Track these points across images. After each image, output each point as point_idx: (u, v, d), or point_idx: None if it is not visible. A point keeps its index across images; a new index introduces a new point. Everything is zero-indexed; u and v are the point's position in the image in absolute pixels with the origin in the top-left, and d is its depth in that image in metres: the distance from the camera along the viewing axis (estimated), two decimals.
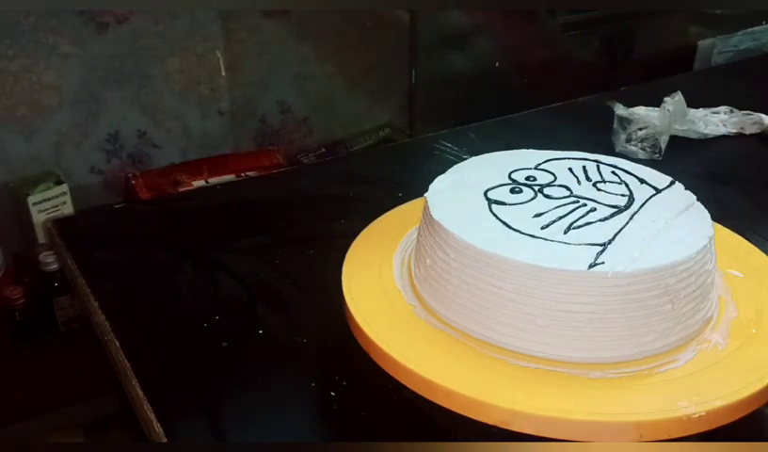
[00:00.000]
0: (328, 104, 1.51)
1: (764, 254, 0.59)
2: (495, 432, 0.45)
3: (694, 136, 0.91)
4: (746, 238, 0.61)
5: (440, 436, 0.47)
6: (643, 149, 0.86)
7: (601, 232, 0.50)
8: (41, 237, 1.21)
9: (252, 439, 0.47)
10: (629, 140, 0.87)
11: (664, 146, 0.86)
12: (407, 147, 1.04)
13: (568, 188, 0.56)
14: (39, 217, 1.21)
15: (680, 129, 0.90)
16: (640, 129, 0.86)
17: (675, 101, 0.89)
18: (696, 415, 0.44)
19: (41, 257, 1.17)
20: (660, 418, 0.44)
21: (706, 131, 0.91)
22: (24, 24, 1.20)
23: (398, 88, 1.52)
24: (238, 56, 1.39)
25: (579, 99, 1.04)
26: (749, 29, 1.38)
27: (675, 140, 0.89)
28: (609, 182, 0.57)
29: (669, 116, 0.87)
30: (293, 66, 1.44)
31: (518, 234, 0.50)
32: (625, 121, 0.87)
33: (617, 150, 0.87)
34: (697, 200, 0.55)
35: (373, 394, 0.50)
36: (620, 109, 0.88)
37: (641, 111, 0.87)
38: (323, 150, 1.45)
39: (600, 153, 0.61)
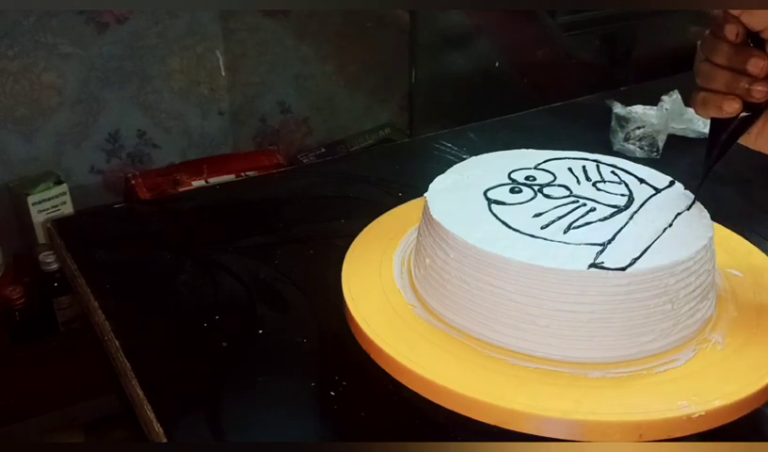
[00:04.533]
0: (328, 104, 1.51)
1: (764, 254, 0.59)
2: (495, 432, 0.45)
3: (692, 135, 0.91)
4: (746, 238, 0.61)
5: (441, 436, 0.47)
6: (641, 147, 0.86)
7: (601, 232, 0.50)
8: (41, 237, 1.21)
9: (252, 439, 0.47)
10: (627, 139, 0.87)
11: (662, 145, 0.86)
12: (407, 147, 1.04)
13: (567, 188, 0.56)
14: (39, 217, 1.21)
15: (677, 128, 0.90)
16: (638, 128, 0.86)
17: (672, 99, 0.89)
18: (696, 415, 0.44)
19: (41, 257, 1.17)
20: (660, 418, 0.44)
21: (704, 130, 0.91)
22: (24, 24, 1.20)
23: (398, 88, 1.52)
24: (238, 56, 1.39)
25: (579, 99, 1.04)
26: None
27: (673, 139, 0.89)
28: (609, 182, 0.57)
29: (667, 115, 0.87)
30: (293, 66, 1.45)
31: (518, 233, 0.50)
32: (623, 120, 0.87)
33: (615, 148, 0.87)
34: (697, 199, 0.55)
35: (373, 394, 0.50)
36: (618, 108, 0.88)
37: (639, 110, 0.87)
38: (323, 150, 1.46)
39: (599, 152, 0.61)
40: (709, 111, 0.51)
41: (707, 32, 0.51)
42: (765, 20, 0.47)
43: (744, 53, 0.48)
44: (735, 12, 0.48)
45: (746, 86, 0.49)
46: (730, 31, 0.48)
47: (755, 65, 0.48)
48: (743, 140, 0.52)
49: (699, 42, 0.52)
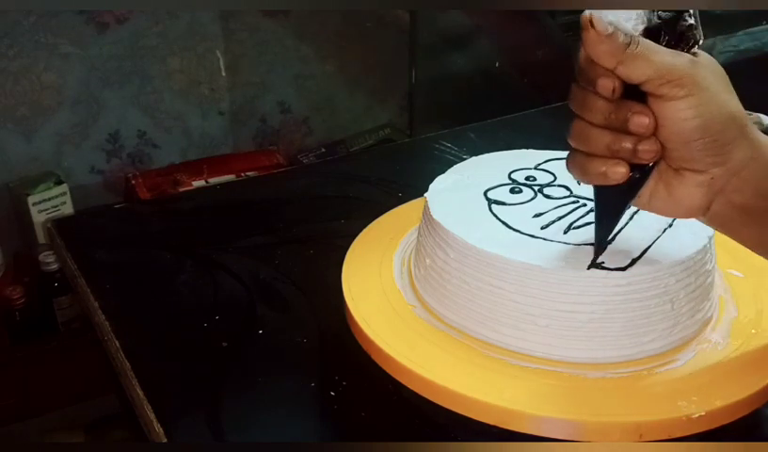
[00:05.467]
0: (328, 104, 1.51)
1: None
2: (495, 432, 0.45)
3: None
4: None
5: (441, 436, 0.47)
6: None
7: None
8: (41, 237, 1.21)
9: (252, 439, 0.47)
10: None
11: None
12: (407, 147, 1.04)
13: (567, 188, 0.56)
14: (39, 217, 1.21)
15: None
16: None
17: None
18: (696, 415, 0.44)
19: (41, 257, 1.18)
20: (660, 418, 0.44)
21: None
22: (24, 24, 1.20)
23: (398, 88, 1.52)
24: (238, 56, 1.39)
25: None
26: (749, 29, 1.38)
27: None
28: None
29: None
30: (293, 66, 1.45)
31: (518, 234, 0.50)
32: None
33: None
34: None
35: (373, 394, 0.50)
36: None
37: None
38: (323, 150, 1.46)
39: None
40: (591, 179, 0.43)
41: (573, 85, 0.43)
42: (647, 69, 0.40)
43: (623, 108, 0.40)
44: (609, 65, 0.40)
45: (630, 146, 0.41)
46: (605, 87, 0.40)
47: (638, 124, 0.40)
48: (634, 204, 0.45)
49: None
